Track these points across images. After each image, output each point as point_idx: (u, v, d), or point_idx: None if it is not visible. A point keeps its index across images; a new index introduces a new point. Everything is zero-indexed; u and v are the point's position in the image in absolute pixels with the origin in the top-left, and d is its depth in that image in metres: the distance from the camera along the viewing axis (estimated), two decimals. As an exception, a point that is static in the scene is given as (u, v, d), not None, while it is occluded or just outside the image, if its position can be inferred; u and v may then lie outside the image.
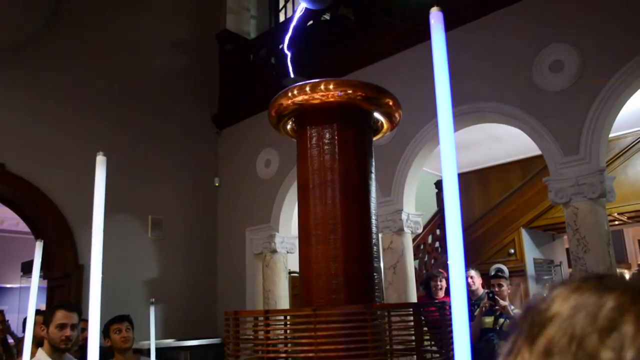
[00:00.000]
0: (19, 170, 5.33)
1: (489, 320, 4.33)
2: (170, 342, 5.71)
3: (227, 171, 6.95)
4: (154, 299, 2.86)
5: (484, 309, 4.31)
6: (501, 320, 4.27)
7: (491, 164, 7.62)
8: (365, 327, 2.05)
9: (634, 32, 3.86)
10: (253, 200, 6.43)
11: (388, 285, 4.89)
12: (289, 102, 2.47)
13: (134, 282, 5.95)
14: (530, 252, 6.92)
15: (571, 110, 4.06)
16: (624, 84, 3.86)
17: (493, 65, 4.60)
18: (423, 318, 2.43)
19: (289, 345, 2.30)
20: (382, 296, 4.32)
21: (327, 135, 2.46)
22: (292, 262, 5.63)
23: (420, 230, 5.31)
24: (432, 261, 6.93)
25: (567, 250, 6.59)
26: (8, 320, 5.22)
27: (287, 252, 6.12)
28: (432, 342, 2.40)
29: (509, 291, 4.57)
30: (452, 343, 0.71)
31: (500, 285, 4.44)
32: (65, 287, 5.52)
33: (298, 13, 5.71)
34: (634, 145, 6.30)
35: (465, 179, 7.56)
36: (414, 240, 5.71)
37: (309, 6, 5.54)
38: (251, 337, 2.26)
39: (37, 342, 2.82)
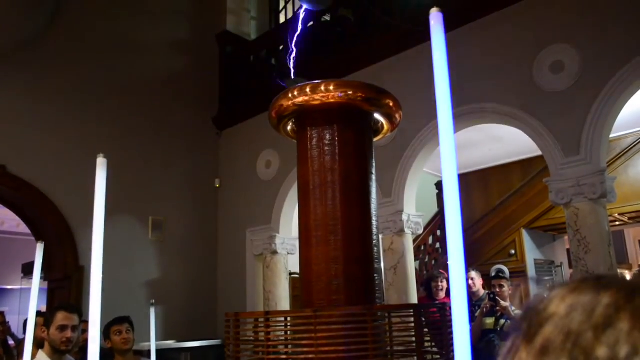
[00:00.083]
0: (19, 172, 5.33)
1: (489, 321, 4.32)
2: (170, 343, 5.71)
3: (228, 172, 6.95)
4: (154, 300, 2.85)
5: (484, 310, 4.30)
6: (502, 321, 4.26)
7: (492, 164, 7.62)
8: (366, 329, 2.04)
9: (634, 32, 3.85)
10: (253, 202, 6.43)
11: (389, 286, 4.88)
12: (290, 103, 2.47)
13: (135, 283, 5.95)
14: (531, 253, 6.92)
15: (572, 111, 4.06)
16: (625, 84, 3.86)
17: (493, 66, 4.60)
18: (424, 319, 2.43)
19: (290, 346, 2.30)
20: (383, 297, 4.32)
21: (328, 137, 2.46)
22: (293, 264, 5.63)
23: (420, 231, 5.31)
24: (433, 262, 6.93)
25: (568, 251, 6.59)
26: (9, 322, 5.22)
27: (288, 254, 6.12)
28: (433, 344, 2.40)
29: (509, 292, 4.57)
30: (452, 344, 0.71)
31: (501, 286, 4.44)
32: (65, 289, 5.52)
33: (301, 16, 5.71)
34: (634, 145, 6.29)
35: (466, 180, 7.56)
36: (414, 241, 5.70)
37: (308, 7, 5.54)
38: (252, 338, 2.26)
39: (38, 344, 2.82)
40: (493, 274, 4.64)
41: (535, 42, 4.35)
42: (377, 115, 2.59)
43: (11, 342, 5.41)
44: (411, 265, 5.02)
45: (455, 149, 0.76)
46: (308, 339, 2.06)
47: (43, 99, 5.63)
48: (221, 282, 6.72)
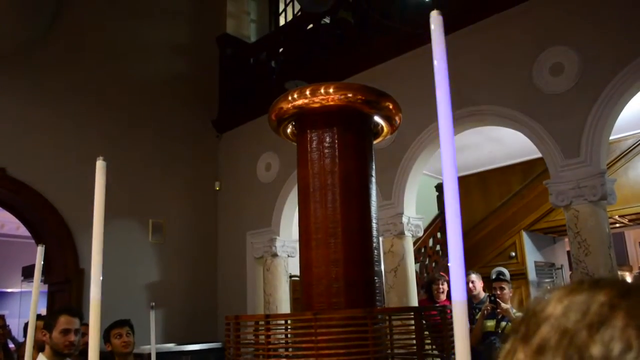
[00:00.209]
0: (19, 175, 5.33)
1: (490, 323, 4.32)
2: (170, 346, 5.70)
3: (228, 175, 6.95)
4: (154, 303, 2.85)
5: (485, 312, 4.30)
6: (503, 323, 4.26)
7: (492, 166, 7.62)
8: (366, 331, 2.04)
9: (633, 34, 3.86)
10: (254, 204, 6.43)
11: (389, 289, 4.88)
12: (289, 105, 2.47)
13: (135, 286, 5.95)
14: (531, 255, 6.91)
15: (572, 113, 4.06)
16: (624, 86, 3.86)
17: (493, 68, 4.60)
18: (424, 322, 2.42)
19: (290, 349, 2.30)
20: (383, 300, 4.31)
21: (328, 139, 2.46)
22: (293, 266, 5.62)
23: (421, 234, 5.30)
24: (433, 264, 6.92)
25: (568, 253, 6.58)
26: (9, 325, 5.22)
27: (288, 256, 6.12)
28: (434, 346, 2.39)
29: (510, 294, 4.56)
30: (453, 347, 0.70)
31: (502, 289, 4.43)
32: (65, 292, 5.51)
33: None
34: (634, 147, 6.29)
35: (466, 182, 7.56)
36: (414, 243, 5.70)
37: (308, 10, 5.55)
38: (252, 341, 2.25)
39: (38, 347, 2.82)
40: (494, 277, 4.64)
41: (535, 44, 4.35)
42: (377, 118, 2.59)
43: (11, 345, 5.40)
44: (411, 267, 5.02)
45: (455, 151, 0.76)
46: (308, 342, 2.06)
47: (43, 102, 5.64)
48: (221, 284, 6.72)
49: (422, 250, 6.91)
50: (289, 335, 2.35)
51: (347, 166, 2.44)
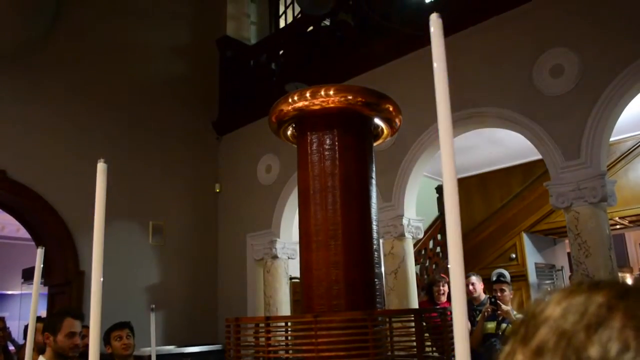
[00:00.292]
0: (19, 177, 5.33)
1: (491, 325, 4.31)
2: (171, 348, 5.69)
3: (228, 177, 6.95)
4: (154, 305, 2.85)
5: (486, 314, 4.29)
6: (503, 325, 4.25)
7: (492, 168, 7.61)
8: (367, 334, 2.04)
9: (633, 35, 3.86)
10: (254, 206, 6.43)
11: (389, 291, 4.87)
12: (289, 108, 2.47)
13: (135, 288, 5.94)
14: (532, 257, 6.91)
15: (572, 115, 4.06)
16: (625, 87, 3.86)
17: (493, 70, 4.60)
18: (425, 324, 2.42)
19: (290, 351, 2.29)
20: (384, 302, 4.30)
21: (328, 141, 2.46)
22: (293, 268, 5.62)
23: (421, 236, 5.30)
24: (434, 266, 6.91)
25: (569, 254, 6.58)
26: (9, 328, 5.21)
27: (288, 258, 6.12)
28: (434, 348, 2.39)
29: (511, 296, 4.56)
30: (453, 349, 0.70)
31: (502, 290, 4.43)
32: (66, 294, 5.51)
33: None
34: (634, 149, 6.29)
35: (466, 184, 7.55)
36: (415, 245, 5.70)
37: (308, 12, 5.56)
38: (252, 343, 2.25)
39: (38, 349, 2.82)
40: (494, 278, 4.63)
41: (535, 46, 4.35)
42: (377, 120, 2.59)
43: (11, 347, 5.40)
44: (412, 269, 5.02)
45: (454, 153, 0.76)
46: (308, 344, 2.06)
47: (43, 103, 5.64)
48: (221, 286, 6.71)
49: (423, 252, 6.91)
50: (289, 338, 2.35)
51: (347, 168, 2.44)
